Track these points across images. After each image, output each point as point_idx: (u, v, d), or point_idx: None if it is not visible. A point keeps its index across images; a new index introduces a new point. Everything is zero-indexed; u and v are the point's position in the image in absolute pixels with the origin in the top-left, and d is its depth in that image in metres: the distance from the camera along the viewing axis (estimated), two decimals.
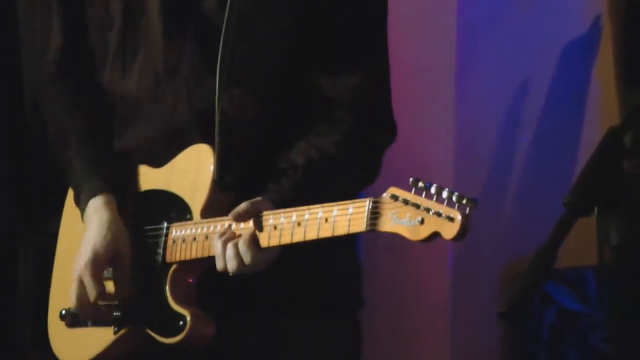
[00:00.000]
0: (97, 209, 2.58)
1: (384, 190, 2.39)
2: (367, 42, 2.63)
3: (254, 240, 2.42)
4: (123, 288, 2.59)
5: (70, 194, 2.70)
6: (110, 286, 2.57)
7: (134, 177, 2.68)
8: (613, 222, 1.93)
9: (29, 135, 3.65)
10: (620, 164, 1.94)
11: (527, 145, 3.93)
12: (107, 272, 2.57)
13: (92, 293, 2.54)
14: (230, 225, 2.46)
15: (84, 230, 2.62)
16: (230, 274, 2.44)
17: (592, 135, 3.92)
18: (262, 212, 2.43)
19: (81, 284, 2.54)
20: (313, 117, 2.61)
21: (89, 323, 2.59)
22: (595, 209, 1.89)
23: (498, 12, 3.96)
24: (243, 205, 2.41)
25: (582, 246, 2.19)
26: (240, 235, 2.43)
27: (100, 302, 2.57)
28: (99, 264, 2.55)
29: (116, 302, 2.58)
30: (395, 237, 2.68)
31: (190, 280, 2.55)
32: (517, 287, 1.89)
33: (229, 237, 2.44)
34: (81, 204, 2.62)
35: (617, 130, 1.93)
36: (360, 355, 2.70)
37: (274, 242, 2.39)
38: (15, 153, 3.70)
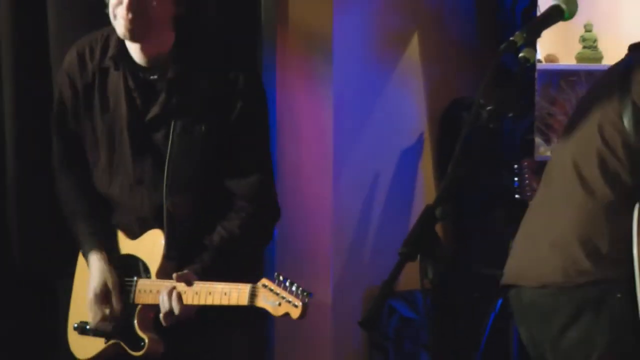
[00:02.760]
0: (97, 260, 2.99)
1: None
2: (257, 156, 3.00)
3: (180, 298, 2.83)
4: (113, 311, 2.96)
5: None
6: (105, 312, 2.99)
7: (118, 244, 3.04)
8: (429, 263, 2.23)
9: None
10: (433, 228, 2.25)
11: (379, 215, 4.47)
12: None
13: (94, 309, 2.98)
14: (172, 288, 2.84)
15: (87, 274, 3.01)
16: (169, 320, 2.87)
17: (417, 209, 4.46)
18: (191, 282, 2.82)
19: (91, 310, 2.98)
20: (226, 208, 2.97)
21: (91, 334, 2.99)
22: (419, 256, 2.22)
23: (362, 129, 4.43)
24: (181, 273, 2.85)
25: (412, 277, 2.47)
26: (174, 295, 2.84)
27: (98, 323, 2.98)
28: (97, 300, 2.97)
29: (107, 323, 2.98)
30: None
31: (150, 315, 2.93)
32: (370, 305, 2.26)
33: (168, 294, 2.85)
34: (86, 256, 3.01)
35: (431, 207, 2.25)
36: (272, 352, 3.24)
37: (195, 302, 2.83)
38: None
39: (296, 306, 2.67)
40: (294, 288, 2.68)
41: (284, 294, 2.69)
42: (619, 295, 2.76)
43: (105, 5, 2.88)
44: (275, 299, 2.70)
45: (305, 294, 2.67)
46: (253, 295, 2.73)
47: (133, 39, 2.86)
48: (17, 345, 3.73)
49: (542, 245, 2.89)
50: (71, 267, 3.21)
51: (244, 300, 2.74)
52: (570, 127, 2.98)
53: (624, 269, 2.76)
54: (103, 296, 2.95)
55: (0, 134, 3.73)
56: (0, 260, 3.78)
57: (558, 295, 2.85)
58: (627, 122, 2.78)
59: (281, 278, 2.70)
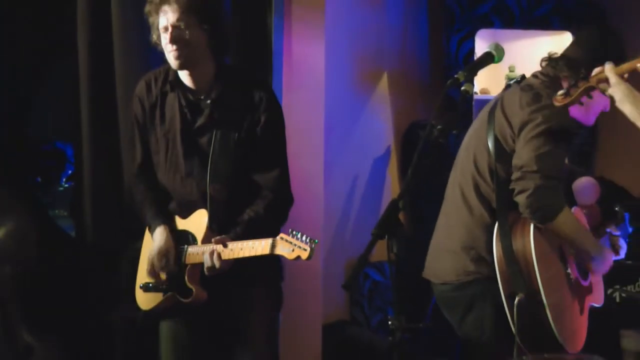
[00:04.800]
0: (160, 232, 3.28)
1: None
2: (277, 156, 3.27)
3: (220, 256, 3.10)
4: (168, 271, 3.27)
5: (147, 231, 3.39)
6: (163, 274, 3.29)
7: (174, 224, 3.35)
8: (394, 241, 2.41)
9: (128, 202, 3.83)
10: (397, 215, 2.45)
11: (358, 205, 4.93)
12: (162, 266, 3.27)
13: (157, 265, 3.24)
14: (213, 249, 3.10)
15: (152, 244, 3.31)
16: (212, 272, 3.12)
17: (386, 201, 4.76)
18: (227, 242, 3.11)
19: (151, 262, 3.24)
20: (253, 195, 3.24)
21: (152, 290, 3.27)
22: (386, 236, 2.42)
23: (346, 143, 4.90)
24: (218, 237, 3.13)
25: (382, 251, 2.60)
26: (215, 254, 3.11)
27: (157, 280, 3.25)
28: (160, 254, 3.25)
29: (164, 280, 3.28)
30: None
31: (197, 272, 3.22)
32: (351, 272, 2.57)
33: (210, 254, 3.12)
34: (152, 231, 3.33)
35: (396, 200, 2.46)
36: (281, 307, 3.42)
37: (230, 256, 3.09)
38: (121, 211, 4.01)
39: (305, 250, 2.93)
40: (303, 238, 2.94)
41: (296, 242, 2.93)
42: (500, 286, 2.99)
43: (159, 49, 3.19)
44: (290, 246, 2.94)
45: (311, 240, 2.90)
46: (273, 246, 2.97)
47: (181, 67, 3.15)
48: (90, 301, 4.03)
49: (441, 252, 3.19)
50: (133, 243, 3.52)
51: (266, 250, 2.98)
52: (459, 155, 3.22)
53: None
54: (163, 255, 3.23)
55: (79, 145, 4.16)
56: (78, 237, 4.20)
57: (455, 291, 3.12)
58: (492, 151, 2.98)
59: (294, 232, 2.96)
